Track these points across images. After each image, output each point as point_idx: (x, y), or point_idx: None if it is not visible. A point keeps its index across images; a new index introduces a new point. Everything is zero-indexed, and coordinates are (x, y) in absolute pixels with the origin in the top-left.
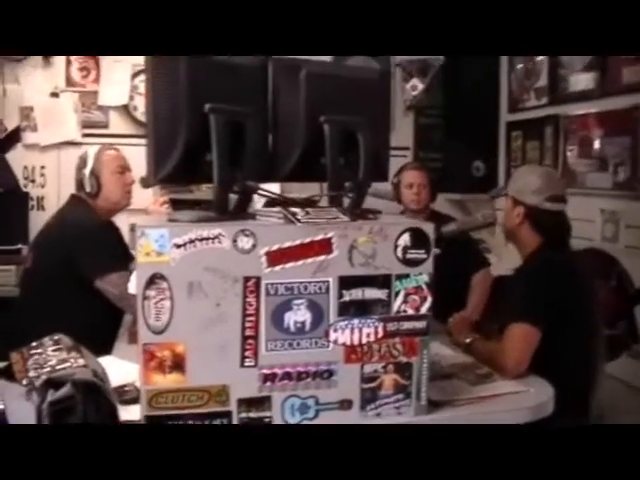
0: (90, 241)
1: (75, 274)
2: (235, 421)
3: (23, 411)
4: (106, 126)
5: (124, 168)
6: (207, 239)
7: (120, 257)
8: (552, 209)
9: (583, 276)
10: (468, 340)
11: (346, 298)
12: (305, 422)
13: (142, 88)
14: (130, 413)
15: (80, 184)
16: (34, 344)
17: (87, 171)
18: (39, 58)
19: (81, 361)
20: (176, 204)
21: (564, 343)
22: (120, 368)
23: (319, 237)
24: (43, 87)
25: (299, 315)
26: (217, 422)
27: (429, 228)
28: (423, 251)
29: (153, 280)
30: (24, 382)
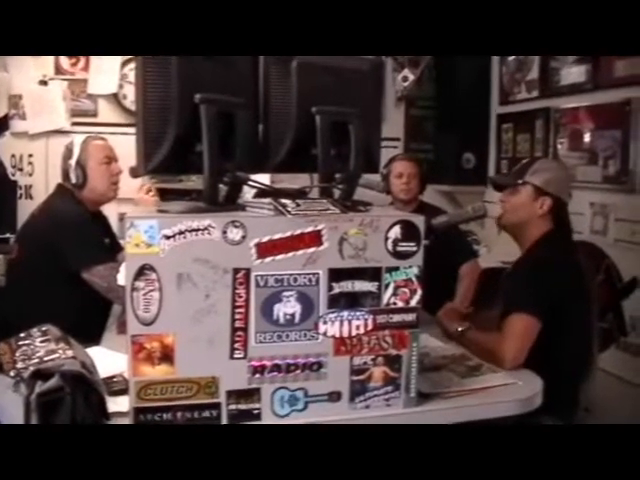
0: (76, 233)
1: (61, 265)
2: (224, 413)
3: (11, 403)
4: (95, 115)
5: (111, 158)
6: (197, 230)
7: (107, 248)
8: (567, 202)
9: (584, 268)
10: (460, 328)
11: (336, 290)
12: (294, 414)
13: (132, 77)
14: (119, 404)
15: (66, 174)
16: (22, 335)
17: (73, 161)
18: None
19: (69, 352)
20: (165, 193)
21: (563, 335)
22: (109, 359)
23: (309, 229)
24: (32, 75)
25: (289, 307)
26: (206, 414)
27: (419, 221)
28: (413, 244)
29: (142, 271)
30: (12, 373)
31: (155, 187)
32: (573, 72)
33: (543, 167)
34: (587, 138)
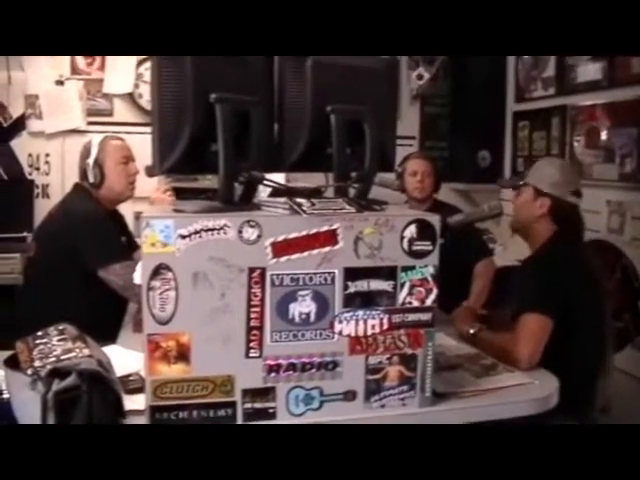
0: (93, 231)
1: (78, 264)
2: (239, 411)
3: (28, 401)
4: (111, 114)
5: (128, 158)
6: (212, 230)
7: (123, 247)
8: (573, 202)
9: (594, 268)
10: (473, 330)
11: (351, 289)
12: (309, 413)
13: (147, 76)
14: (135, 403)
15: (84, 173)
16: (39, 333)
17: (91, 161)
18: None
19: (86, 351)
20: (180, 192)
21: (574, 334)
22: (125, 357)
23: (324, 228)
24: (48, 75)
25: (304, 306)
26: (222, 412)
27: (435, 220)
28: (429, 243)
29: (158, 270)
30: (29, 372)
31: (172, 187)
32: (589, 69)
33: (542, 167)
34: (604, 136)
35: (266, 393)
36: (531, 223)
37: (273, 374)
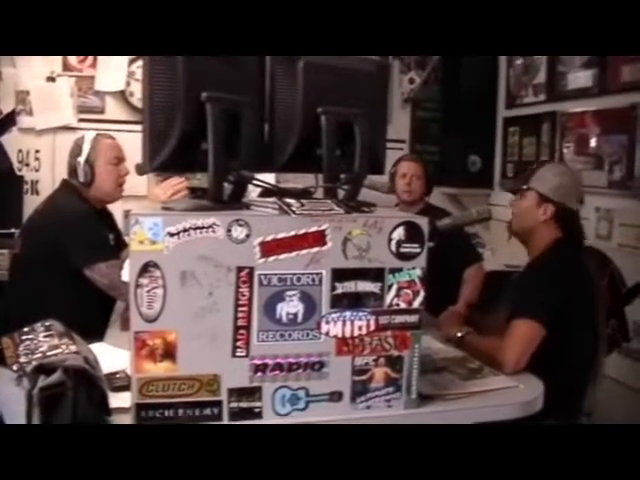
0: (78, 230)
1: (64, 262)
2: (225, 410)
3: (13, 396)
4: (102, 111)
5: (119, 159)
6: (201, 228)
7: (109, 246)
8: (576, 209)
9: (592, 275)
10: (460, 334)
11: (339, 290)
12: (295, 413)
13: (139, 74)
14: (121, 400)
15: (73, 171)
16: (25, 329)
17: (82, 159)
18: None
19: (72, 347)
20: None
21: (568, 341)
22: (112, 355)
23: (313, 229)
24: (39, 71)
25: (291, 306)
26: (207, 411)
27: (423, 222)
28: (417, 245)
29: (146, 268)
30: (15, 367)
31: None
32: (580, 76)
33: (548, 173)
34: (593, 143)
35: (252, 393)
36: (534, 228)
37: (259, 374)
